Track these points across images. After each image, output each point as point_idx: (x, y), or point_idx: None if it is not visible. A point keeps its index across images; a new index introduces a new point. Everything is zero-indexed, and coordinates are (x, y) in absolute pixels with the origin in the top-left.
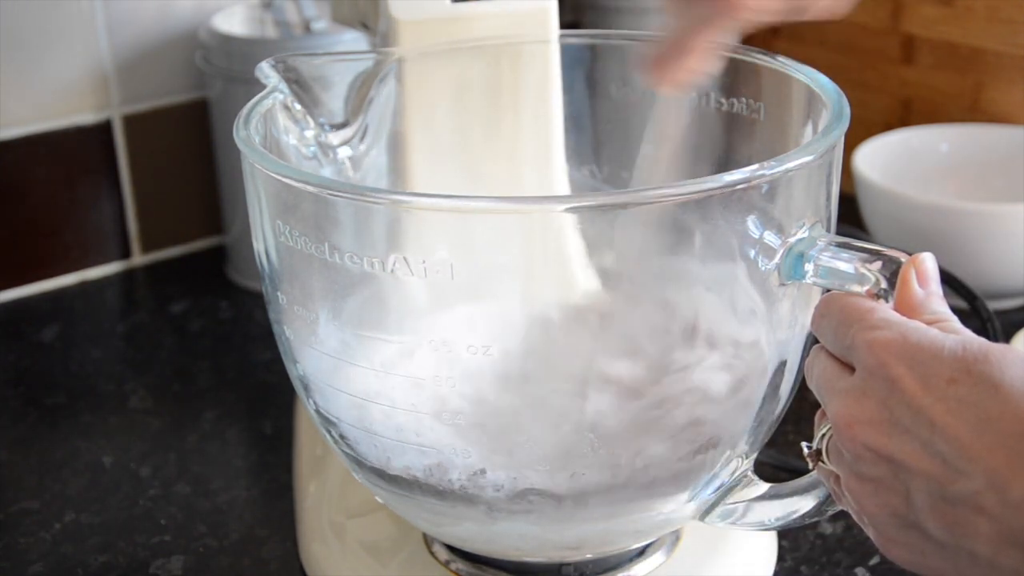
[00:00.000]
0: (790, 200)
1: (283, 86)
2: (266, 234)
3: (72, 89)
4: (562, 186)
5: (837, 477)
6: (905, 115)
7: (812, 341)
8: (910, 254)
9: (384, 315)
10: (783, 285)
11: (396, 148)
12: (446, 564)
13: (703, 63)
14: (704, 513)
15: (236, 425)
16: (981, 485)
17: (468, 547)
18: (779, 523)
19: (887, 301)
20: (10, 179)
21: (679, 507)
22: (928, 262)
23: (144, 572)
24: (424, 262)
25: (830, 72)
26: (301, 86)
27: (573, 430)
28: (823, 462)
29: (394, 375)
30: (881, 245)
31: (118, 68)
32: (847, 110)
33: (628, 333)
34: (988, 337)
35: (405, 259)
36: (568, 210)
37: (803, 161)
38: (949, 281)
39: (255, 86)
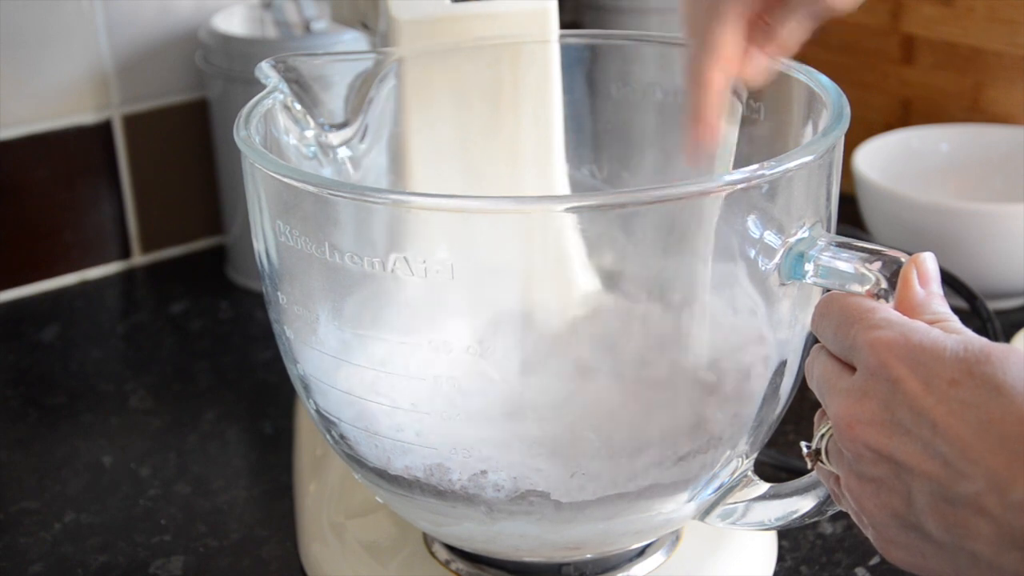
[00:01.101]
0: (790, 200)
1: (283, 86)
2: (266, 234)
3: (72, 89)
4: (562, 186)
5: (837, 478)
6: (905, 115)
7: (812, 341)
8: (910, 254)
9: (384, 315)
10: (783, 285)
11: (396, 148)
12: (446, 564)
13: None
14: (704, 513)
15: (236, 425)
16: (982, 486)
17: (468, 547)
18: (779, 523)
19: (887, 301)
20: (10, 179)
21: (679, 507)
22: (929, 262)
23: (144, 572)
24: (424, 262)
25: (830, 72)
26: (301, 86)
27: (573, 430)
28: (822, 462)
29: (394, 375)
30: (881, 245)
31: (118, 68)
32: (847, 110)
33: (628, 333)
34: (988, 337)
35: (405, 259)
36: (568, 210)
37: (803, 161)
38: (949, 281)
39: (255, 86)
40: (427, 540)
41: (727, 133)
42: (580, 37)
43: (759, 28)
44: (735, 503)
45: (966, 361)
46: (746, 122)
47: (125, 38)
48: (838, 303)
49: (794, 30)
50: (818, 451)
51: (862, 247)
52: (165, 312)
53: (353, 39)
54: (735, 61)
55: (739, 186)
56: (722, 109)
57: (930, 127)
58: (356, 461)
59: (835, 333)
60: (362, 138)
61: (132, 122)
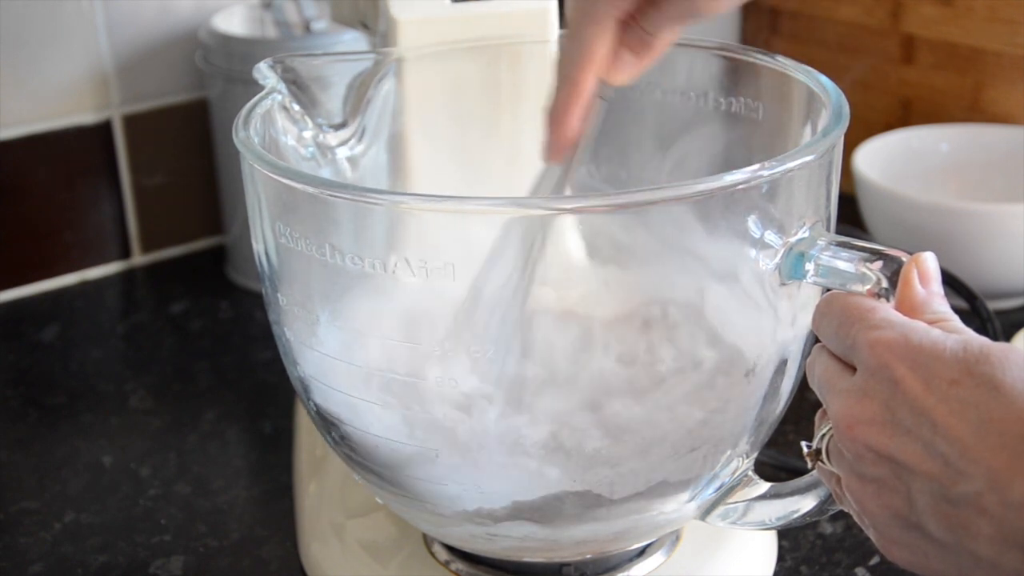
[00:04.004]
0: (790, 200)
1: (281, 87)
2: (266, 235)
3: (72, 89)
4: None
5: (838, 477)
6: (905, 115)
7: (813, 340)
8: (911, 254)
9: (385, 316)
10: (784, 285)
11: (396, 148)
12: (446, 564)
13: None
14: (705, 513)
15: (236, 425)
16: (983, 486)
17: (468, 547)
18: (780, 522)
19: (888, 301)
20: (10, 179)
21: (679, 507)
22: (929, 261)
23: (144, 572)
24: (425, 263)
25: (830, 72)
26: (299, 87)
27: (575, 431)
28: (823, 462)
29: (395, 376)
30: (882, 245)
31: (118, 68)
32: (847, 110)
33: (628, 333)
34: (988, 337)
35: (407, 260)
36: (568, 210)
37: (803, 161)
38: (949, 281)
39: (255, 86)
40: (427, 540)
41: (587, 131)
42: None
43: (629, 29)
44: (736, 503)
45: (966, 361)
46: (746, 122)
47: (125, 38)
48: (839, 303)
49: (664, 32)
50: (819, 451)
51: (863, 247)
52: (165, 312)
53: (353, 39)
54: (604, 62)
55: (739, 186)
56: (585, 110)
57: (930, 127)
58: (356, 462)
59: (836, 333)
60: (360, 138)
61: (132, 122)
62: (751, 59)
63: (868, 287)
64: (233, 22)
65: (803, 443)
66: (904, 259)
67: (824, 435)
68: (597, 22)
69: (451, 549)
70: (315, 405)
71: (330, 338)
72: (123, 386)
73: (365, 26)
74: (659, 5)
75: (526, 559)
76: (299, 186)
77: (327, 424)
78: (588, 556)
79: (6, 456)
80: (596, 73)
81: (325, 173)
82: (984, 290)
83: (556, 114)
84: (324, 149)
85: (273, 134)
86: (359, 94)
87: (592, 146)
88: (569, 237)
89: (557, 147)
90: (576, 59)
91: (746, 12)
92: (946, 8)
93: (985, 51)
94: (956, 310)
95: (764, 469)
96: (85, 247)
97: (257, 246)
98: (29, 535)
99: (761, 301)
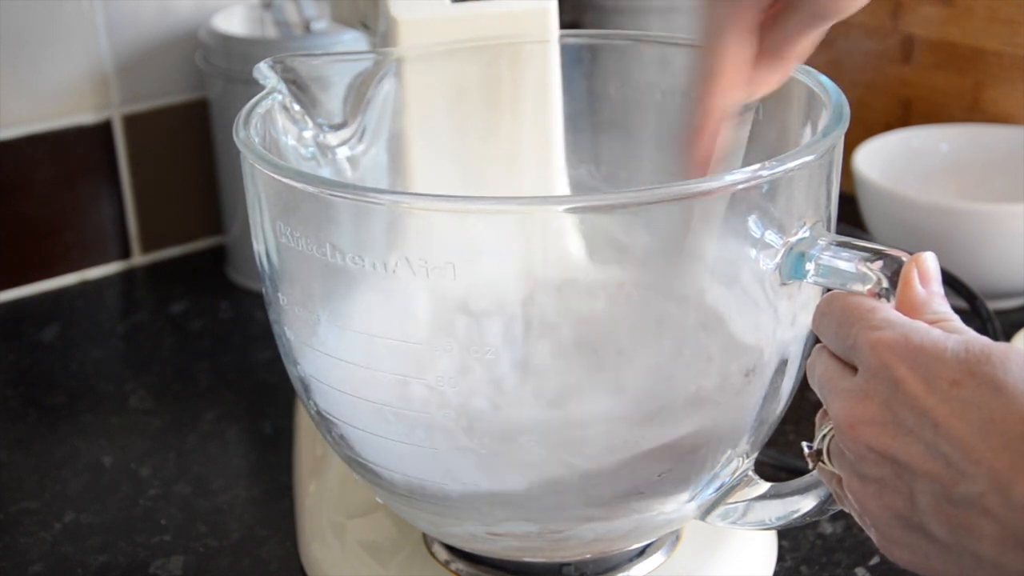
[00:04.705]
0: (791, 200)
1: (281, 86)
2: (266, 235)
3: (72, 89)
4: (562, 186)
5: (839, 478)
6: (905, 115)
7: (813, 340)
8: (911, 254)
9: (385, 316)
10: (784, 285)
11: (396, 148)
12: (446, 564)
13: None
14: (705, 513)
15: (236, 425)
16: (985, 487)
17: (468, 547)
18: (780, 522)
19: (888, 301)
20: (10, 179)
21: (679, 507)
22: (930, 261)
23: (144, 572)
24: (425, 263)
25: (830, 72)
26: (299, 87)
27: (575, 430)
28: (823, 462)
29: (395, 376)
30: (882, 245)
31: (118, 68)
32: (847, 110)
33: (629, 334)
34: (988, 337)
35: (407, 260)
36: (568, 210)
37: (804, 161)
38: (949, 281)
39: (255, 86)
40: (427, 540)
41: (734, 143)
42: (580, 37)
43: (768, 36)
44: (736, 503)
45: (967, 361)
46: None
47: (125, 38)
48: (839, 303)
49: (802, 34)
50: (819, 451)
51: (863, 246)
52: (165, 312)
53: (353, 39)
54: (741, 79)
55: (739, 186)
56: (719, 131)
57: (930, 127)
58: (356, 462)
59: (836, 333)
60: (360, 138)
61: (132, 122)
62: None
63: (868, 287)
64: (233, 22)
65: (804, 444)
66: (904, 259)
67: (825, 435)
68: (730, 36)
69: (451, 549)
70: (315, 405)
71: (330, 338)
72: (123, 386)
73: (365, 26)
74: (789, 10)
75: (526, 559)
76: (300, 186)
77: (327, 424)
78: (588, 556)
79: (6, 456)
80: (731, 89)
81: (325, 173)
82: (984, 290)
83: (687, 136)
84: (324, 149)
85: (273, 134)
86: (359, 94)
87: (738, 156)
88: (569, 237)
89: (691, 171)
90: (708, 75)
91: None
92: (946, 8)
93: (985, 51)
94: (956, 310)
95: (764, 469)
96: (85, 247)
97: (257, 246)
98: (29, 535)
99: (761, 301)
